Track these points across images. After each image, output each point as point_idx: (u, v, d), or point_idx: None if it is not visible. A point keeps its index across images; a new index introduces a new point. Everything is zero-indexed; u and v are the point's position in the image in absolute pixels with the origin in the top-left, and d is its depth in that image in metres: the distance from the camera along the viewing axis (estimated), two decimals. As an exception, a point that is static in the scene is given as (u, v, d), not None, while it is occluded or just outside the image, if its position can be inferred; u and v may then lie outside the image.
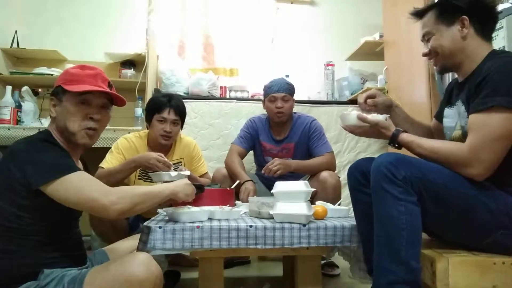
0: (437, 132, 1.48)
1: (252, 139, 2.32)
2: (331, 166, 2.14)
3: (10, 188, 1.03)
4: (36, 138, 1.11)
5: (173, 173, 1.76)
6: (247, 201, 1.89)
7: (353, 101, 3.10)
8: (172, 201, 1.33)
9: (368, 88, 2.90)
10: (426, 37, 1.29)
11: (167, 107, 1.97)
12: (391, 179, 1.06)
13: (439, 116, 1.47)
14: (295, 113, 2.35)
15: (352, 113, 1.30)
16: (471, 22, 1.20)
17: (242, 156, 2.28)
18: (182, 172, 1.80)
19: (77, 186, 1.03)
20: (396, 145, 1.24)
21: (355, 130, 1.32)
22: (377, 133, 1.28)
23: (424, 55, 1.31)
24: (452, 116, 1.29)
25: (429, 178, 1.08)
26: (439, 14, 1.24)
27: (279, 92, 2.19)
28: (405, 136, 1.22)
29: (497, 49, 1.64)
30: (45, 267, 1.04)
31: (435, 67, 1.32)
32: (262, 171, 2.09)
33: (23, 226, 1.04)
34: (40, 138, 1.11)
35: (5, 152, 1.09)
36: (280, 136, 2.28)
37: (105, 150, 1.97)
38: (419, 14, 1.30)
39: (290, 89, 2.23)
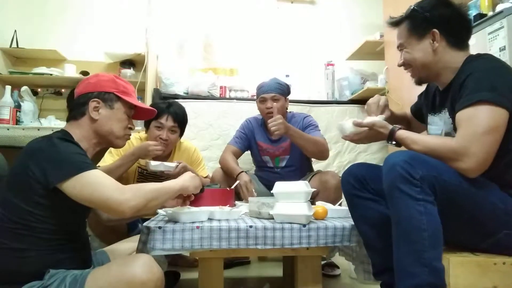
0: (412, 125, 1.51)
1: (248, 139, 2.33)
2: (325, 148, 2.09)
3: (28, 187, 1.03)
4: (55, 137, 1.11)
5: (154, 163, 1.84)
6: (248, 197, 1.90)
7: (353, 101, 3.10)
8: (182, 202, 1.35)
9: (370, 89, 2.89)
10: (399, 48, 1.30)
11: (165, 114, 1.94)
12: (407, 179, 1.02)
13: (417, 114, 1.49)
14: (290, 112, 2.34)
15: (348, 122, 1.30)
16: (442, 35, 1.20)
17: (237, 155, 2.28)
18: (166, 163, 1.84)
19: (93, 184, 1.03)
20: (394, 142, 1.22)
21: (354, 137, 1.30)
22: (375, 134, 1.27)
23: (399, 65, 1.32)
24: (438, 124, 1.30)
25: (444, 177, 1.05)
26: (411, 26, 1.25)
27: (268, 93, 2.18)
28: (401, 133, 1.20)
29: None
30: (53, 267, 1.04)
31: (412, 79, 1.32)
32: (268, 122, 2.01)
33: (36, 225, 1.05)
34: (58, 137, 1.12)
35: (24, 150, 1.09)
36: (276, 136, 2.27)
37: (103, 150, 1.96)
38: (394, 23, 1.31)
39: (280, 89, 2.21)
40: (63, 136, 1.14)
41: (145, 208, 1.09)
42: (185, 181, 1.26)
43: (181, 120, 2.00)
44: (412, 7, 1.26)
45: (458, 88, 1.14)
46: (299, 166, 2.25)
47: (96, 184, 1.03)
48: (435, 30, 1.20)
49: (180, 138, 2.08)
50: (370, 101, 1.40)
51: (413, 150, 1.15)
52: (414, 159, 1.04)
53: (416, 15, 1.23)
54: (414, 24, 1.24)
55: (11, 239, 1.04)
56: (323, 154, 2.11)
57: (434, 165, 1.06)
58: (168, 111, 1.95)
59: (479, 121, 1.05)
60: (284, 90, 2.24)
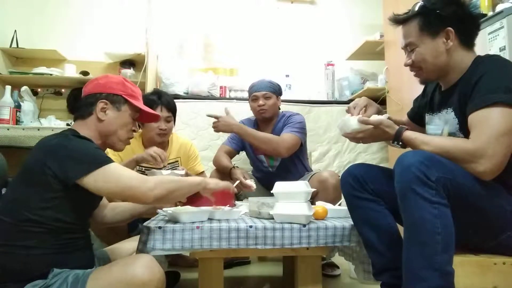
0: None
1: (241, 140, 2.32)
2: (277, 146, 2.06)
3: (43, 183, 1.04)
4: (70, 134, 1.14)
5: (165, 172, 1.79)
6: (248, 185, 1.90)
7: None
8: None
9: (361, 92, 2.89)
10: (409, 48, 1.23)
11: (158, 105, 1.97)
12: (423, 181, 0.98)
13: (415, 117, 1.46)
14: (282, 112, 2.35)
15: (352, 118, 1.24)
16: (456, 33, 1.17)
17: (231, 155, 2.30)
18: (176, 171, 1.82)
19: (116, 175, 1.08)
20: (400, 143, 1.19)
21: (356, 135, 1.24)
22: (381, 133, 1.21)
23: (407, 65, 1.26)
24: (437, 123, 1.28)
25: (458, 180, 1.02)
26: (423, 24, 1.19)
27: (260, 91, 2.21)
28: (409, 134, 1.17)
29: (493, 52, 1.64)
30: (57, 266, 1.05)
31: (417, 78, 1.27)
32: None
33: (47, 221, 1.05)
34: (73, 134, 1.14)
35: (37, 148, 1.11)
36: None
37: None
38: (401, 21, 1.25)
39: (272, 87, 2.23)
40: (76, 133, 1.17)
41: (167, 197, 1.14)
42: (209, 179, 1.31)
43: (173, 109, 2.06)
44: (422, 4, 1.19)
45: (470, 89, 1.12)
46: (293, 166, 2.25)
47: (119, 176, 1.08)
48: (450, 28, 1.16)
49: (174, 125, 2.11)
50: (351, 104, 1.36)
51: (423, 151, 1.11)
52: (430, 160, 1.01)
53: (429, 13, 1.17)
54: (427, 21, 1.17)
55: (18, 236, 1.04)
56: (276, 151, 2.09)
57: (449, 167, 1.03)
58: (161, 102, 1.99)
59: (494, 123, 1.03)
60: (275, 89, 2.25)
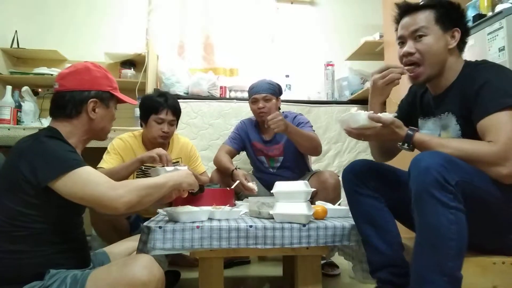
0: None
1: (242, 140, 2.33)
2: (318, 144, 2.12)
3: (18, 187, 1.03)
4: (43, 135, 1.10)
5: (169, 168, 1.78)
6: (251, 187, 1.91)
7: (353, 101, 3.10)
8: (172, 198, 1.33)
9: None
10: (415, 34, 1.20)
11: (164, 108, 1.97)
12: (442, 185, 0.94)
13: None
14: (282, 112, 2.35)
15: (362, 113, 1.12)
16: (460, 36, 1.20)
17: (232, 155, 2.30)
18: (179, 167, 1.81)
19: (85, 181, 1.03)
20: (410, 145, 1.13)
21: (365, 132, 1.14)
22: (389, 132, 1.13)
23: (408, 54, 1.21)
24: (431, 128, 1.28)
25: (476, 183, 1.00)
26: (439, 16, 1.19)
27: (260, 93, 2.20)
28: (420, 135, 1.12)
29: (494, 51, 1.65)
30: (52, 267, 1.04)
31: (413, 78, 1.23)
32: (268, 118, 1.99)
33: (32, 225, 1.04)
34: (46, 135, 1.11)
35: (12, 151, 1.09)
36: (269, 136, 2.28)
37: (101, 150, 1.97)
38: (412, 7, 1.22)
39: (272, 89, 2.23)
40: (51, 134, 1.13)
41: (139, 204, 1.08)
42: (180, 177, 1.24)
43: (178, 113, 2.06)
44: None
45: (473, 95, 1.11)
46: (294, 167, 2.26)
47: (87, 181, 1.03)
48: (457, 29, 1.19)
49: (176, 128, 2.11)
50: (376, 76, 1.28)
51: (441, 152, 1.04)
52: (450, 163, 0.97)
53: (446, 8, 1.20)
54: (443, 14, 1.19)
55: (8, 242, 1.03)
56: (316, 149, 2.14)
57: (467, 170, 1.01)
58: (167, 105, 1.99)
59: (509, 126, 1.03)
60: (275, 90, 2.25)
